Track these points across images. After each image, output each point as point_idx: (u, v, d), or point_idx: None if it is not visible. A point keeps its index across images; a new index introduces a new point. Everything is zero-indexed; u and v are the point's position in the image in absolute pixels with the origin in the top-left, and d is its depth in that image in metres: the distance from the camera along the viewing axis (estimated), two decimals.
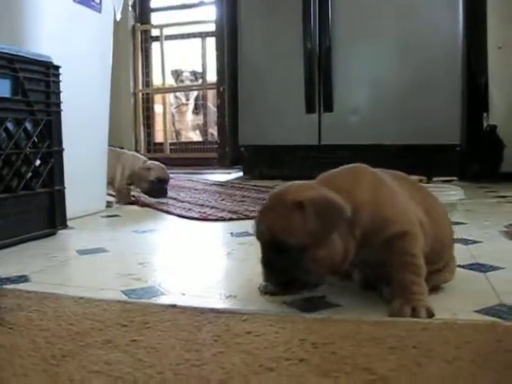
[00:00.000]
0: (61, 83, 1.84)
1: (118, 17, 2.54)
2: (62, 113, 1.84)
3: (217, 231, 1.87)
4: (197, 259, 1.46)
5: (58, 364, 0.71)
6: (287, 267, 0.90)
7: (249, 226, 1.90)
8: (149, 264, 1.38)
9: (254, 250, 1.53)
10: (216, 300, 1.04)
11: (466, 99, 3.32)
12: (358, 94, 3.47)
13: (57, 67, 1.82)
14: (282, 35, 3.61)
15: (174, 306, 0.95)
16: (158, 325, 0.84)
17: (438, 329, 0.81)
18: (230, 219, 2.02)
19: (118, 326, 0.84)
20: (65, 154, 1.85)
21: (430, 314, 0.89)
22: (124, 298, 1.07)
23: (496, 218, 1.90)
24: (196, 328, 0.82)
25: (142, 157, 2.74)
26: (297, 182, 0.99)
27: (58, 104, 1.83)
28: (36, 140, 1.75)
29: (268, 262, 0.93)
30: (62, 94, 1.84)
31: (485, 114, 3.31)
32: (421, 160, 3.22)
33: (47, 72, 1.78)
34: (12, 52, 1.64)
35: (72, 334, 0.82)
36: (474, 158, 3.36)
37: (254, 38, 3.73)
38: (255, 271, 1.26)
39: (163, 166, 2.67)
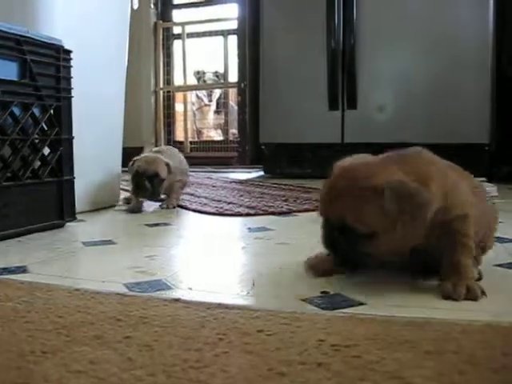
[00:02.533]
0: (72, 68, 1.76)
1: (136, 6, 2.46)
2: (74, 99, 1.76)
3: (233, 226, 1.77)
4: (209, 253, 1.36)
5: (36, 361, 0.61)
6: (349, 249, 0.90)
7: (266, 221, 1.82)
8: (157, 257, 1.28)
9: (270, 244, 1.44)
10: (226, 296, 0.93)
11: (496, 98, 3.17)
12: (383, 92, 3.34)
13: (68, 51, 1.74)
14: (304, 32, 3.50)
15: (177, 300, 0.84)
16: (156, 320, 0.74)
17: (481, 332, 0.69)
18: (247, 214, 1.92)
19: (111, 321, 0.74)
20: (76, 143, 1.77)
21: (484, 295, 0.87)
22: (125, 291, 0.97)
23: None
24: (199, 325, 0.72)
25: (157, 148, 2.41)
26: (362, 156, 0.96)
27: (69, 90, 1.74)
28: (44, 127, 1.66)
29: (331, 243, 0.93)
30: (73, 80, 1.76)
31: None
32: (448, 159, 3.08)
33: (57, 56, 1.69)
34: (20, 33, 1.55)
35: (58, 328, 0.72)
36: (504, 159, 3.21)
37: (276, 35, 3.62)
38: (271, 266, 1.16)
39: (154, 158, 2.14)
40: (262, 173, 3.87)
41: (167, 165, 2.11)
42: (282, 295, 0.92)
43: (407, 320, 0.74)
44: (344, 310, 0.83)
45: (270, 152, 3.69)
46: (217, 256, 1.32)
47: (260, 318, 0.74)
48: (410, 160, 0.94)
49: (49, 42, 1.66)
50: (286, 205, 2.11)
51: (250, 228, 1.67)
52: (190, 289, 0.99)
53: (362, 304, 0.86)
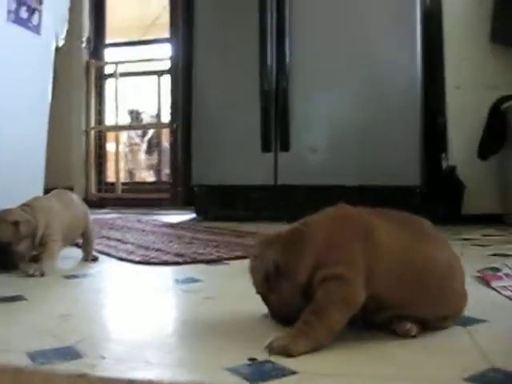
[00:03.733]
0: None
1: (61, 42, 2.36)
2: None
3: (158, 277, 1.66)
4: (130, 311, 1.24)
5: None
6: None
7: (194, 270, 1.71)
8: (71, 316, 1.15)
9: (197, 299, 1.33)
10: (140, 365, 0.82)
11: (425, 140, 3.21)
12: (316, 134, 3.34)
13: None
14: (238, 74, 3.47)
15: (82, 376, 0.74)
16: None
17: None
18: (175, 263, 1.81)
19: None
20: None
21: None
22: (27, 362, 0.84)
23: (465, 262, 1.73)
24: None
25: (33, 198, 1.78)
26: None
27: None
28: None
29: None
30: None
31: (443, 155, 3.21)
32: (381, 201, 3.05)
33: None
34: None
35: None
36: (435, 200, 3.24)
37: (208, 76, 3.58)
38: (195, 326, 1.07)
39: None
40: (194, 215, 3.77)
41: (15, 223, 1.61)
42: (202, 363, 0.83)
43: None
44: (273, 382, 0.74)
45: (202, 194, 3.61)
46: (137, 314, 1.21)
47: None
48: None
49: None
50: (217, 251, 2.01)
51: (176, 279, 1.57)
52: (103, 358, 0.87)
53: (294, 373, 0.77)
